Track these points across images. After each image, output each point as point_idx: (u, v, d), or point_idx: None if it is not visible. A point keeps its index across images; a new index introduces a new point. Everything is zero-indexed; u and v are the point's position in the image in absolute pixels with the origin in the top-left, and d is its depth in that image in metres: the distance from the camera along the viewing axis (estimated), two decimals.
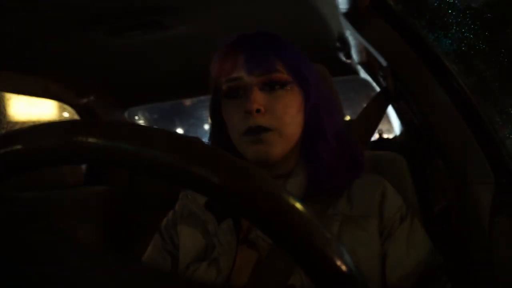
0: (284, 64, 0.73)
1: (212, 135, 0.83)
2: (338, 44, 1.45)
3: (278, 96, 0.71)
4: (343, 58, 1.60)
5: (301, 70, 0.75)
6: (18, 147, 0.32)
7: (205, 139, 0.88)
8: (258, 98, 0.69)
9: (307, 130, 0.75)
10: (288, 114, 0.71)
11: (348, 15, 1.05)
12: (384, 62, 1.06)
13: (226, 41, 0.76)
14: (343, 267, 0.30)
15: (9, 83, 1.66)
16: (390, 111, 1.91)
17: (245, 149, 0.72)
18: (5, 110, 1.88)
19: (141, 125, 0.32)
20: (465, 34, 1.03)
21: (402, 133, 1.91)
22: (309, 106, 0.75)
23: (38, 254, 0.29)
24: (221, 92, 0.75)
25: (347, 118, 1.51)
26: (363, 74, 1.82)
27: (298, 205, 0.29)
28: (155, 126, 0.34)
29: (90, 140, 0.30)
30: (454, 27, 1.02)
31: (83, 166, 1.86)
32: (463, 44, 1.04)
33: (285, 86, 0.72)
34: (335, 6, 1.06)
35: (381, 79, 1.14)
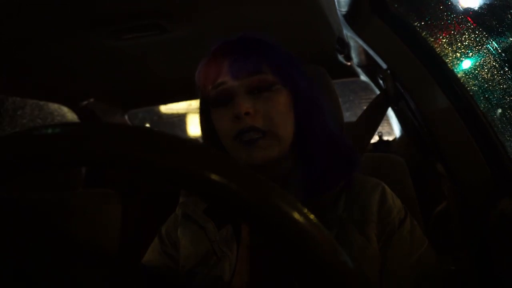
0: (269, 65, 0.72)
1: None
2: (338, 46, 1.46)
3: (265, 98, 0.70)
4: (343, 61, 1.60)
5: (287, 70, 0.74)
6: (18, 149, 0.32)
7: None
8: (245, 101, 0.69)
9: (299, 131, 0.74)
10: (278, 115, 0.70)
11: (348, 17, 1.06)
12: (384, 65, 1.06)
13: (212, 48, 0.76)
14: (345, 270, 0.30)
15: (9, 86, 1.67)
16: (390, 113, 1.91)
17: (238, 153, 0.70)
18: (5, 113, 1.89)
19: (143, 127, 0.32)
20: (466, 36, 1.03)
21: (402, 135, 1.91)
22: (299, 106, 0.74)
23: (39, 255, 0.29)
24: (209, 100, 0.74)
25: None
26: (363, 76, 1.82)
27: (300, 208, 0.29)
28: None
29: (94, 143, 0.29)
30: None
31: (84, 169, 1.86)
32: (463, 47, 1.04)
33: (271, 87, 0.71)
34: (335, 8, 1.06)
35: (381, 82, 1.15)
